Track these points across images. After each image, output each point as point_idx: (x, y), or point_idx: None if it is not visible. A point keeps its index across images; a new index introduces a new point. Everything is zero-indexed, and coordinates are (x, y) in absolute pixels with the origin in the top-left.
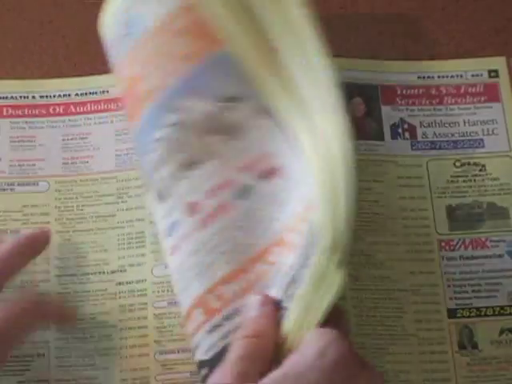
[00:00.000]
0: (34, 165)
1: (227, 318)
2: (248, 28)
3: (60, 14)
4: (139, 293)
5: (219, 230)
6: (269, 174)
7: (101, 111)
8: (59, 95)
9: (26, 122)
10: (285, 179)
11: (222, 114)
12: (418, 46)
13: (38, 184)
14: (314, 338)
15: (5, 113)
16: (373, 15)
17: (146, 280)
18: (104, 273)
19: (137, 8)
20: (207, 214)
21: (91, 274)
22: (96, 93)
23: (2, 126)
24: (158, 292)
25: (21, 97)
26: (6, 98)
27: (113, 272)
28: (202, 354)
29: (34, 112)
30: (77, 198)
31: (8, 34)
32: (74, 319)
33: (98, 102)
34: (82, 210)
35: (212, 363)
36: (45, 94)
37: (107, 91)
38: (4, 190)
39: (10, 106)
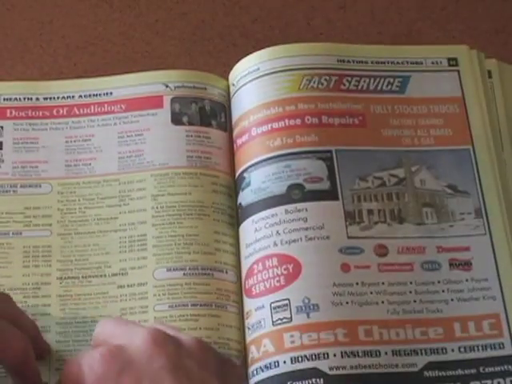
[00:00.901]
0: (36, 167)
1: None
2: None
3: (60, 13)
4: (140, 296)
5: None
6: (458, 265)
7: (104, 113)
8: (63, 97)
9: (30, 124)
10: (470, 273)
11: (442, 195)
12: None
13: (40, 186)
14: None
15: (8, 114)
16: (373, 15)
17: (147, 283)
18: (105, 275)
19: None
20: (391, 262)
21: (93, 276)
22: (100, 95)
23: (6, 127)
24: (159, 295)
25: (24, 98)
26: (10, 99)
27: (114, 275)
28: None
29: (37, 114)
30: (79, 200)
31: (8, 34)
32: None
33: (102, 103)
34: (84, 212)
35: None
36: (48, 96)
37: (111, 93)
38: (7, 191)
39: (13, 107)
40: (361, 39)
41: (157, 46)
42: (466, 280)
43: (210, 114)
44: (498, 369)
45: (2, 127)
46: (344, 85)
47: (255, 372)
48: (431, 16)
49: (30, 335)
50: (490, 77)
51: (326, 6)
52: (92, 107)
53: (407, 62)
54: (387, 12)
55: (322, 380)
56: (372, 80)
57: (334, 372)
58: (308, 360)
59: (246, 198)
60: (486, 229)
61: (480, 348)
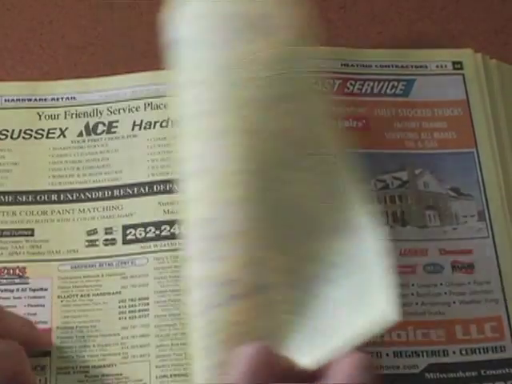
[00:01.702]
0: None
1: None
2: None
3: (60, 14)
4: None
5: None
6: (461, 267)
7: None
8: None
9: None
10: (472, 275)
11: (445, 198)
12: (417, 46)
13: None
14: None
15: None
16: (373, 15)
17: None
18: None
19: None
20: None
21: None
22: None
23: None
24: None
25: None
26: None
27: None
28: None
29: None
30: None
31: (8, 34)
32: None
33: None
34: None
35: None
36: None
37: None
38: None
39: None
40: (361, 39)
41: (157, 46)
42: (469, 283)
43: None
44: (499, 371)
45: None
46: (348, 88)
47: None
48: (431, 16)
49: (22, 337)
50: None
51: (326, 6)
52: None
53: (412, 66)
54: (387, 12)
55: None
56: (376, 83)
57: None
58: None
59: None
60: (489, 232)
61: (481, 351)
